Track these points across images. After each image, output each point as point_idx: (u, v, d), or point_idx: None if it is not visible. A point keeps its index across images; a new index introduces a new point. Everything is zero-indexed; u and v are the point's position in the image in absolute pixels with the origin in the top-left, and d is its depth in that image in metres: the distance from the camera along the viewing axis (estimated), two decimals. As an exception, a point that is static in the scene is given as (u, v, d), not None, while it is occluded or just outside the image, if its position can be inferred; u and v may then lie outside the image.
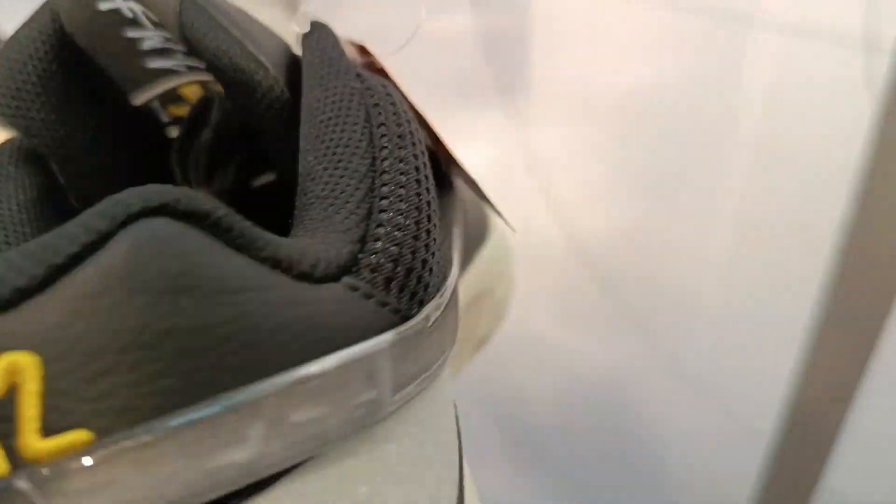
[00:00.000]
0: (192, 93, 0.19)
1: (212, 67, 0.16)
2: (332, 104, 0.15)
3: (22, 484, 0.09)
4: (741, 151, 0.54)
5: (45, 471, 0.09)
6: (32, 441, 0.10)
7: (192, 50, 0.16)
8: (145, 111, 0.18)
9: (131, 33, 0.17)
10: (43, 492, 0.09)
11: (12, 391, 0.09)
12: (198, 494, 0.10)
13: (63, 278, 0.09)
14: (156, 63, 0.18)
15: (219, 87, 0.18)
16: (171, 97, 0.18)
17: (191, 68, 0.18)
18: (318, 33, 0.17)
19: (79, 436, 0.10)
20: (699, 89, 0.51)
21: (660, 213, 0.53)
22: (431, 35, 0.23)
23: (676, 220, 0.54)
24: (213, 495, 0.10)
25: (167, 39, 0.17)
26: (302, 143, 0.15)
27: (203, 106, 0.19)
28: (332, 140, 0.14)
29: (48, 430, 0.10)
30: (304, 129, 0.15)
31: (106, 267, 0.09)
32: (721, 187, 0.51)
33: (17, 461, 0.09)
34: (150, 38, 0.17)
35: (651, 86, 0.49)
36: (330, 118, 0.15)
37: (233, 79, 0.16)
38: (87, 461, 0.10)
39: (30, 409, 0.10)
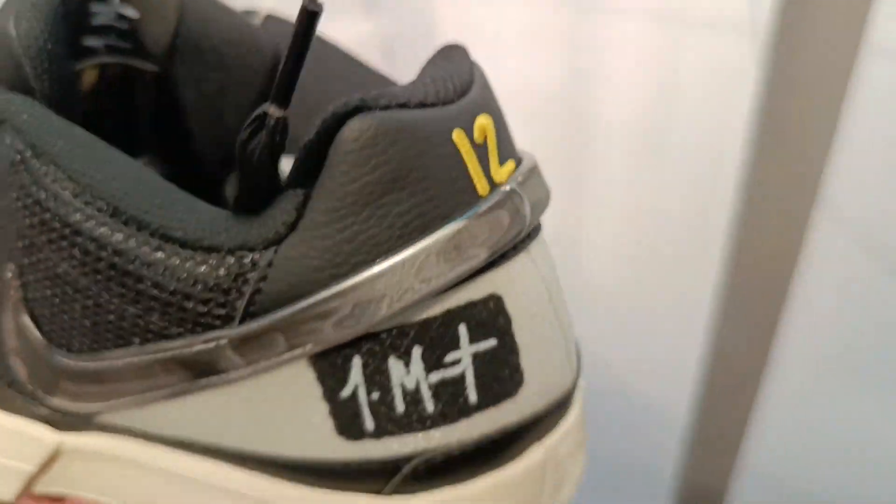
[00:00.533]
0: (88, 75, 0.20)
1: (217, 41, 0.20)
2: (350, 58, 0.23)
3: (513, 185, 0.16)
4: (635, 143, 0.57)
5: (518, 178, 0.16)
6: (497, 169, 0.16)
7: (195, 27, 0.20)
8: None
9: (94, 8, 0.19)
10: (523, 186, 0.16)
11: (485, 139, 0.16)
12: (546, 202, 0.17)
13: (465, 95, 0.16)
14: (88, 41, 0.20)
15: (142, 67, 0.21)
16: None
17: (111, 49, 0.20)
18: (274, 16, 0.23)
19: (512, 164, 0.16)
20: (593, 83, 0.54)
21: (563, 207, 0.57)
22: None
23: (580, 214, 0.56)
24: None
25: (119, 17, 0.20)
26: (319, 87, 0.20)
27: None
28: (373, 75, 0.22)
29: (500, 161, 0.16)
30: (319, 78, 0.21)
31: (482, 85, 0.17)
32: (619, 180, 0.54)
33: (491, 182, 0.16)
34: (105, 14, 0.20)
35: (547, 83, 0.53)
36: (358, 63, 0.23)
37: (241, 49, 0.21)
38: (521, 177, 0.16)
39: (494, 150, 0.16)
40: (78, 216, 0.16)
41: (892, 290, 0.58)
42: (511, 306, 0.16)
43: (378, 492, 0.17)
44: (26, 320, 0.18)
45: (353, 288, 0.15)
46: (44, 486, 0.21)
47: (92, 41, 0.20)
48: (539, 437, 0.17)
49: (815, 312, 0.61)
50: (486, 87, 0.17)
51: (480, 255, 0.15)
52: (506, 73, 0.52)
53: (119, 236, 0.16)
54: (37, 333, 0.18)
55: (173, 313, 0.16)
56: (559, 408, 0.17)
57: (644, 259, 0.60)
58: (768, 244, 0.49)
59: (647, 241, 0.62)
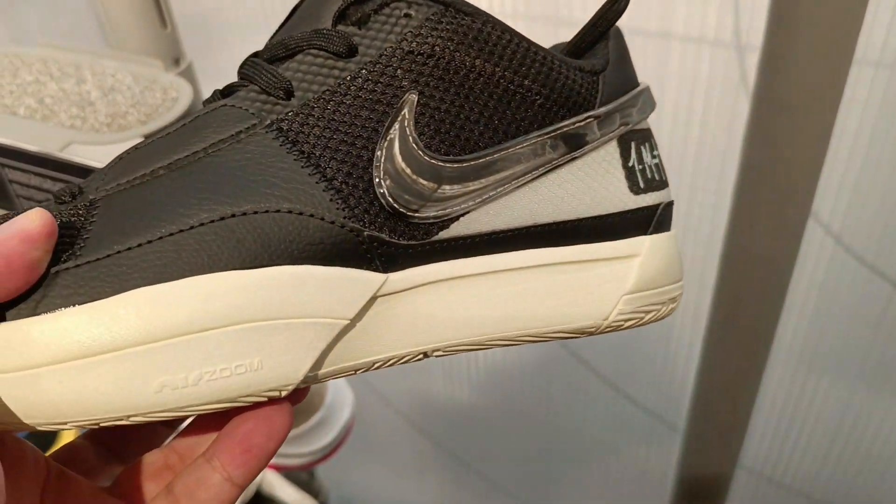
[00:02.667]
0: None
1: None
2: None
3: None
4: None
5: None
6: None
7: None
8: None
9: None
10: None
11: None
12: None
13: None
14: None
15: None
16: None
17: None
18: None
19: None
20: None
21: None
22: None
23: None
24: None
25: None
26: None
27: None
28: None
29: None
30: None
31: None
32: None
33: None
34: None
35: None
36: None
37: None
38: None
39: None
40: (497, 48, 0.25)
41: (878, 292, 0.58)
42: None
43: (646, 232, 0.28)
44: (416, 138, 0.24)
45: (640, 92, 0.29)
46: (331, 362, 0.24)
47: None
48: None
49: (807, 316, 0.60)
50: None
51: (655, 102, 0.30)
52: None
53: (535, 57, 0.26)
54: (423, 150, 0.24)
55: (567, 104, 0.26)
56: None
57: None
58: (761, 252, 0.49)
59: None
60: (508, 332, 0.26)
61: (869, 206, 0.56)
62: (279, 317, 0.22)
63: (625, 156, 0.28)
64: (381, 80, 0.24)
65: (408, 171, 0.24)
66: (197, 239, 0.22)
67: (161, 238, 0.22)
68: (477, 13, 0.25)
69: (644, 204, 0.28)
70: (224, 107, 0.25)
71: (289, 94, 0.24)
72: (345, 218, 0.23)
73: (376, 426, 0.90)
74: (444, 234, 0.25)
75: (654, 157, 0.29)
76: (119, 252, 0.22)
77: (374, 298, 0.24)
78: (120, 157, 0.25)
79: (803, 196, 0.46)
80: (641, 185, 0.28)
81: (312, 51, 0.25)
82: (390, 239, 0.24)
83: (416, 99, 0.24)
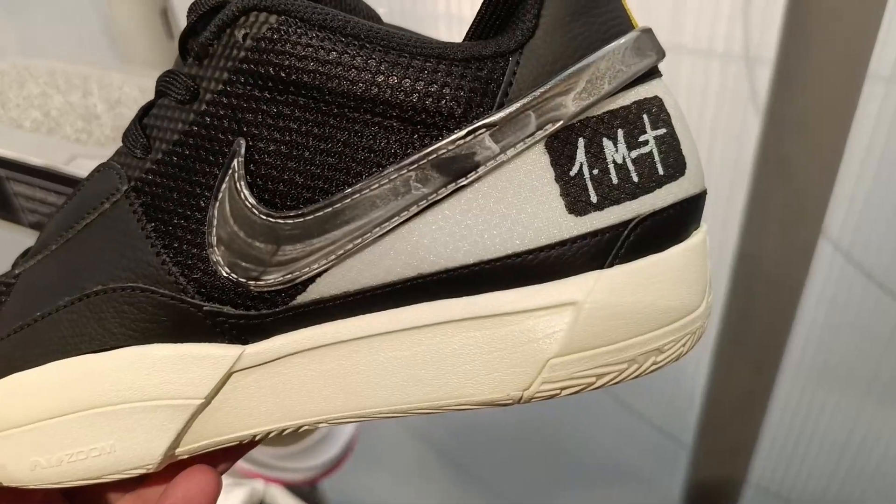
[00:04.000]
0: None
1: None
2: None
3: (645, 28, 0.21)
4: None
5: (645, 28, 0.21)
6: (633, 19, 0.21)
7: None
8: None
9: None
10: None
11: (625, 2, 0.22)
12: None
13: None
14: None
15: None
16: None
17: None
18: None
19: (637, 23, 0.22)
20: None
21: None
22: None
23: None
24: None
25: None
26: None
27: None
28: None
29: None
30: None
31: None
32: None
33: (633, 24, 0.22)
34: None
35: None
36: None
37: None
38: (646, 28, 0.22)
39: (629, 9, 0.21)
40: (333, 54, 0.19)
41: (888, 309, 0.58)
42: (668, 107, 0.21)
43: (601, 266, 0.20)
44: (247, 196, 0.20)
45: (585, 67, 0.20)
46: (193, 439, 0.22)
47: None
48: (697, 223, 0.22)
49: (816, 332, 0.60)
50: None
51: (653, 56, 0.21)
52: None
53: (383, 60, 0.19)
54: (258, 207, 0.20)
55: (439, 119, 0.20)
56: (700, 203, 0.22)
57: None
58: (771, 268, 0.48)
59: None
60: (400, 405, 0.21)
61: (879, 223, 0.56)
62: (122, 401, 0.22)
63: (561, 162, 0.20)
64: (216, 124, 0.21)
65: (241, 234, 0.21)
66: (62, 321, 0.22)
67: (36, 321, 0.23)
68: (324, 21, 0.20)
69: (596, 226, 0.20)
70: (105, 169, 0.23)
71: (146, 150, 0.22)
72: (182, 293, 0.21)
73: (379, 435, 0.90)
74: (302, 299, 0.21)
75: (639, 145, 0.20)
76: (9, 336, 0.23)
77: (230, 374, 0.22)
78: (52, 215, 0.24)
79: (814, 212, 0.46)
80: (594, 197, 0.20)
81: (165, 98, 0.22)
82: (235, 312, 0.21)
83: (245, 145, 0.20)
